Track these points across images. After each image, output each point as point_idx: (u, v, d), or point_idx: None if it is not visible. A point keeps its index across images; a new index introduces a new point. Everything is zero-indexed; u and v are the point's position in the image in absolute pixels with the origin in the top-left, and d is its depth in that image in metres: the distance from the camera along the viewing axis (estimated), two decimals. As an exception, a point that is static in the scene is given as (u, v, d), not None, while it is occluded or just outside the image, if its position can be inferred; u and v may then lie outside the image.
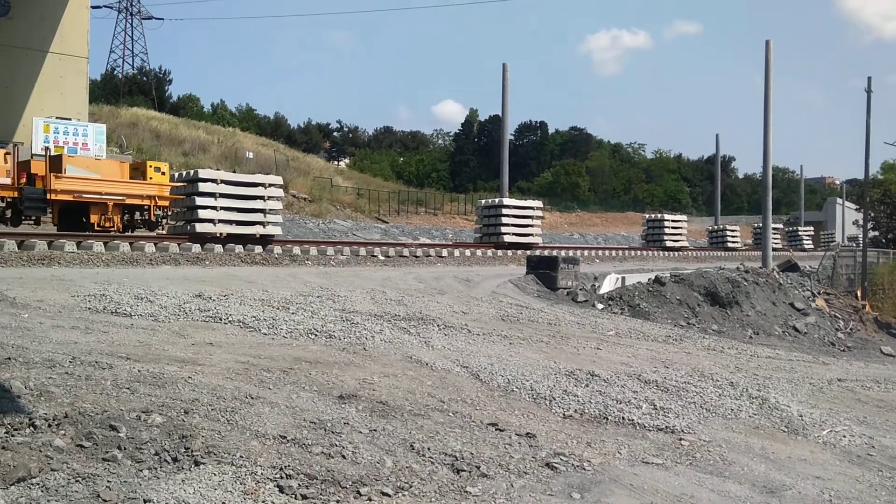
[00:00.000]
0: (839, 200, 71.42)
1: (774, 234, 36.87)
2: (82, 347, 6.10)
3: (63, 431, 4.10)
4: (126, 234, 19.18)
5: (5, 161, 19.03)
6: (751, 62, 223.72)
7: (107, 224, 20.28)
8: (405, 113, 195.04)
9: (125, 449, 4.01)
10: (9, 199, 19.19)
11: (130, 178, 21.50)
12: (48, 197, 19.26)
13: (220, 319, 8.07)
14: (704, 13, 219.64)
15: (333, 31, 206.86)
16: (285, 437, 4.49)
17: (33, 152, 20.76)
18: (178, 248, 15.34)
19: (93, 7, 31.61)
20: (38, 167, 19.58)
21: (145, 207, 21.50)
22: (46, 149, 20.15)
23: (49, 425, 4.15)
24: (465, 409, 5.68)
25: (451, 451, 4.70)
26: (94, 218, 20.23)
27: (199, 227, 16.78)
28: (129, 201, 20.98)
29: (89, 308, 8.08)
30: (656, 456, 5.17)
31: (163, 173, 22.02)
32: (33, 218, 19.73)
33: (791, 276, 19.70)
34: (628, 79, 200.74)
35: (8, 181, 18.96)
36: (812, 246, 51.32)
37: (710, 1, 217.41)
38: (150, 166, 22.27)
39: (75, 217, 20.31)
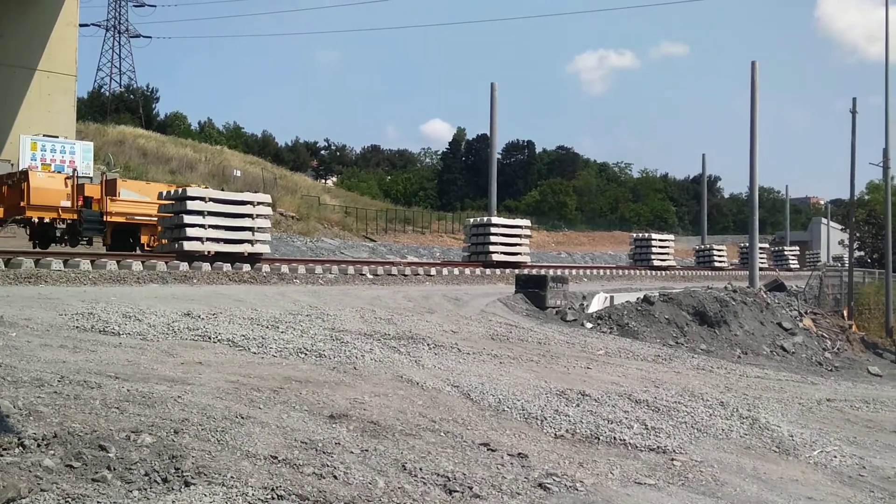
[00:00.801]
0: (824, 220, 71.89)
1: (761, 253, 37.05)
2: (71, 366, 6.05)
3: (52, 451, 4.05)
4: (113, 252, 19.11)
5: (66, 185, 20.13)
6: (736, 83, 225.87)
7: (155, 244, 20.80)
8: (393, 132, 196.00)
9: (115, 469, 3.97)
10: (69, 221, 20.11)
11: None
12: (104, 219, 20.19)
13: (209, 338, 8.02)
14: (691, 35, 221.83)
15: (321, 50, 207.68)
16: (276, 458, 4.46)
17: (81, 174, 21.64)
18: (165, 266, 15.25)
19: (81, 25, 31.56)
20: (92, 190, 20.56)
21: None
22: (103, 173, 21.31)
23: (38, 445, 4.10)
24: (457, 429, 5.66)
25: (443, 471, 4.67)
26: (144, 238, 21.30)
27: (187, 246, 16.71)
28: None
29: (77, 327, 8.01)
30: (648, 476, 5.16)
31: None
32: (85, 239, 20.68)
33: (778, 296, 19.80)
34: (615, 99, 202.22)
35: (68, 204, 19.99)
36: (798, 266, 51.56)
37: (697, 23, 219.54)
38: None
39: (126, 238, 21.23)
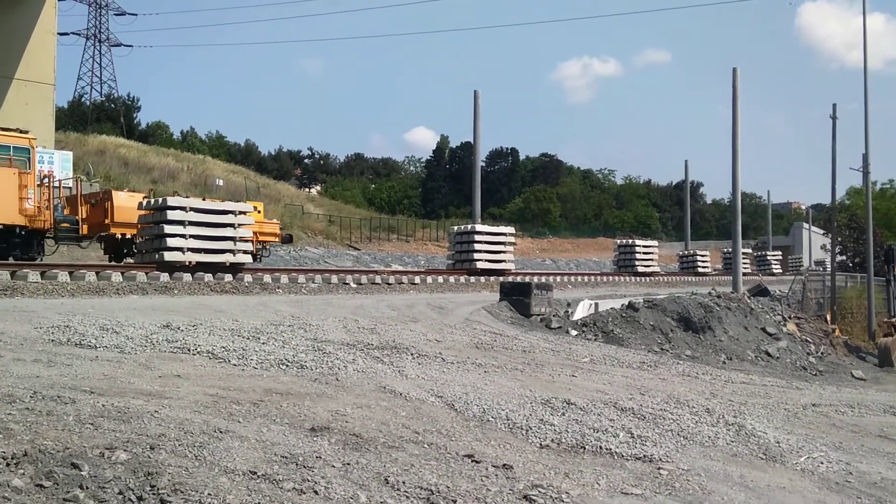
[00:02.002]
0: (805, 225, 72.38)
1: (744, 258, 37.15)
2: (44, 381, 5.91)
3: (22, 471, 3.93)
4: (91, 263, 18.92)
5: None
6: (718, 90, 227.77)
7: None
8: (378, 140, 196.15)
9: (87, 488, 3.84)
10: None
11: None
12: None
13: (189, 350, 7.89)
14: (673, 42, 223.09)
15: (304, 59, 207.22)
16: (255, 473, 4.35)
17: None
18: (145, 277, 15.10)
19: (60, 34, 31.43)
20: None
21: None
22: (175, 192, 22.00)
23: (7, 464, 3.98)
24: (441, 441, 5.57)
25: (426, 484, 4.57)
26: None
27: (168, 256, 16.55)
28: None
29: (52, 340, 7.86)
30: (635, 486, 5.09)
31: (258, 211, 24.00)
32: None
33: (762, 301, 19.83)
34: (598, 106, 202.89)
35: None
36: (780, 270, 51.83)
37: (680, 30, 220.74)
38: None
39: None
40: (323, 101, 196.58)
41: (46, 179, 19.56)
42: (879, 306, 26.23)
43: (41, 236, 19.00)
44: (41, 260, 18.48)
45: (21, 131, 19.54)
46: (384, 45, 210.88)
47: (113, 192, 21.66)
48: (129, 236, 20.78)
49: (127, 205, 20.81)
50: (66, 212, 20.43)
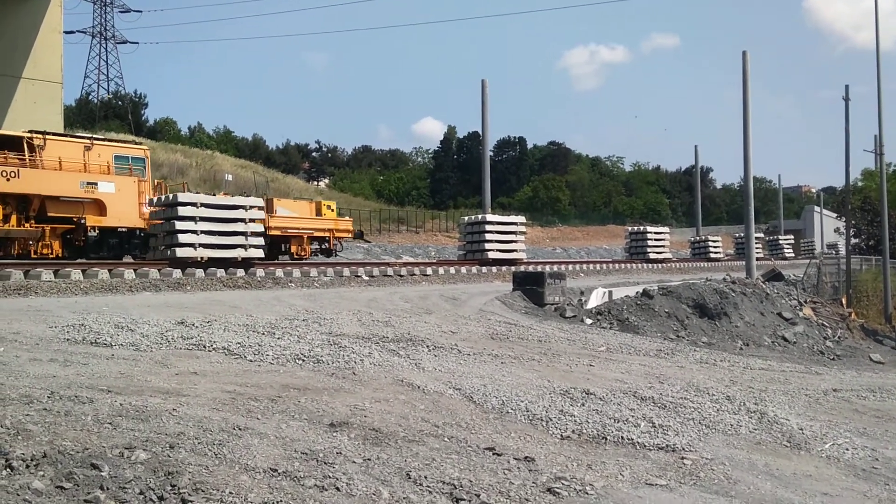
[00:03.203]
0: (817, 208, 71.98)
1: (756, 243, 36.96)
2: (61, 381, 5.88)
3: (42, 472, 3.88)
4: (104, 261, 18.98)
5: None
6: (727, 73, 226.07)
7: (301, 253, 25.48)
8: (385, 131, 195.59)
9: (108, 489, 3.80)
10: None
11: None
12: (267, 233, 22.57)
13: (204, 347, 7.85)
14: (681, 25, 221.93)
15: (310, 52, 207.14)
16: (276, 470, 4.30)
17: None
18: (158, 273, 15.08)
19: (66, 32, 31.40)
20: None
21: (325, 238, 26.79)
22: (264, 194, 25.98)
23: (27, 466, 3.93)
24: (461, 434, 5.51)
25: (448, 478, 4.52)
26: (293, 248, 25.48)
27: (180, 252, 16.52)
28: (316, 234, 26.39)
29: (68, 339, 7.83)
30: (659, 477, 5.02)
31: (332, 210, 27.62)
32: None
33: (777, 286, 19.70)
34: (606, 93, 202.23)
35: None
36: (793, 254, 51.58)
37: (687, 13, 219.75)
38: (324, 205, 27.69)
39: (279, 247, 25.30)
40: (330, 94, 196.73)
41: (160, 186, 21.79)
42: (895, 289, 26.02)
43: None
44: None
45: (136, 142, 22.25)
46: (390, 36, 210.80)
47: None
48: None
49: None
50: None
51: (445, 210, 75.00)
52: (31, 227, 19.18)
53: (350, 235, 29.46)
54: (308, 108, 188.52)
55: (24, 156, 19.41)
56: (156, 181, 22.93)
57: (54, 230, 19.49)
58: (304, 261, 24.32)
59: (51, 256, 19.11)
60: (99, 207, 19.96)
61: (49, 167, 19.61)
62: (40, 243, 19.27)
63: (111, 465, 4.04)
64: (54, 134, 21.05)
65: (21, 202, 19.16)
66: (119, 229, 20.42)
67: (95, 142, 21.33)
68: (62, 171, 19.74)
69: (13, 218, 18.94)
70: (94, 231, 19.98)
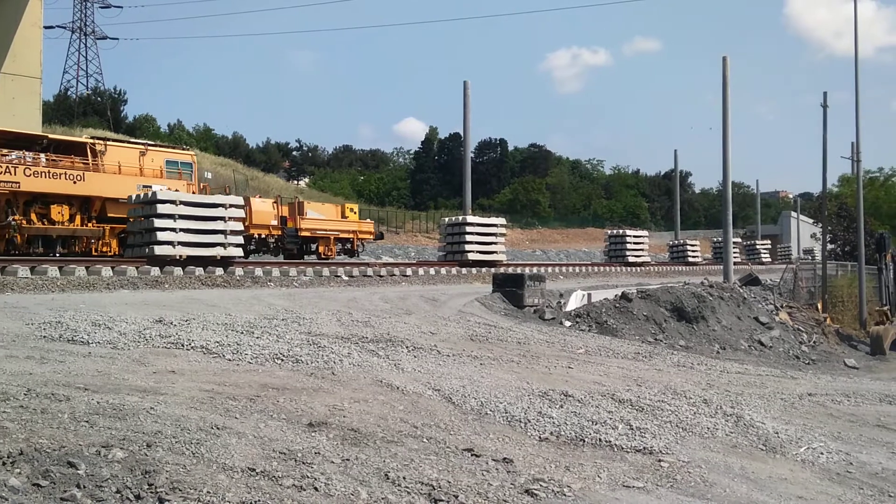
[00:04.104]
0: (794, 214, 72.62)
1: (734, 248, 37.29)
2: (38, 378, 5.83)
3: (18, 469, 3.85)
4: (82, 258, 18.88)
5: (273, 208, 26.23)
6: (706, 78, 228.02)
7: (328, 253, 27.35)
8: (367, 131, 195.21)
9: (84, 487, 3.78)
10: (276, 237, 26.15)
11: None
12: (298, 234, 26.27)
13: (182, 346, 7.81)
14: (663, 30, 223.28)
15: (292, 50, 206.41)
16: (254, 470, 4.29)
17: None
18: (136, 271, 14.98)
19: (46, 27, 31.05)
20: (283, 211, 26.68)
21: (349, 239, 28.55)
22: (296, 198, 27.73)
23: (3, 463, 3.90)
24: (440, 435, 5.52)
25: (427, 479, 4.53)
26: (321, 249, 27.46)
27: (158, 250, 16.41)
28: (341, 235, 28.25)
29: (44, 336, 7.77)
30: (636, 479, 5.06)
31: (354, 213, 29.58)
32: (288, 248, 26.57)
33: (753, 290, 19.85)
34: (588, 96, 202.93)
35: (276, 223, 26.10)
36: (770, 259, 52.02)
37: (669, 16, 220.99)
38: (347, 208, 29.72)
39: (307, 247, 27.48)
40: (312, 93, 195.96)
41: (204, 189, 23.70)
42: (870, 294, 26.27)
43: None
44: None
45: (185, 148, 24.73)
46: (373, 36, 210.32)
47: (251, 198, 26.42)
48: (263, 236, 25.71)
49: (261, 209, 25.84)
50: None
51: (426, 211, 75.02)
52: (93, 226, 20.90)
53: (371, 237, 30.90)
54: (289, 106, 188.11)
55: (87, 161, 21.10)
56: (201, 184, 24.69)
57: (113, 230, 21.11)
58: (330, 260, 26.10)
59: (109, 254, 20.78)
60: None
61: (109, 171, 21.31)
62: (100, 242, 21.03)
63: (88, 464, 4.02)
64: (114, 140, 23.28)
65: (84, 203, 20.83)
66: None
67: (149, 147, 23.21)
68: (121, 174, 21.42)
69: (77, 218, 20.68)
70: None
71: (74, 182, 20.21)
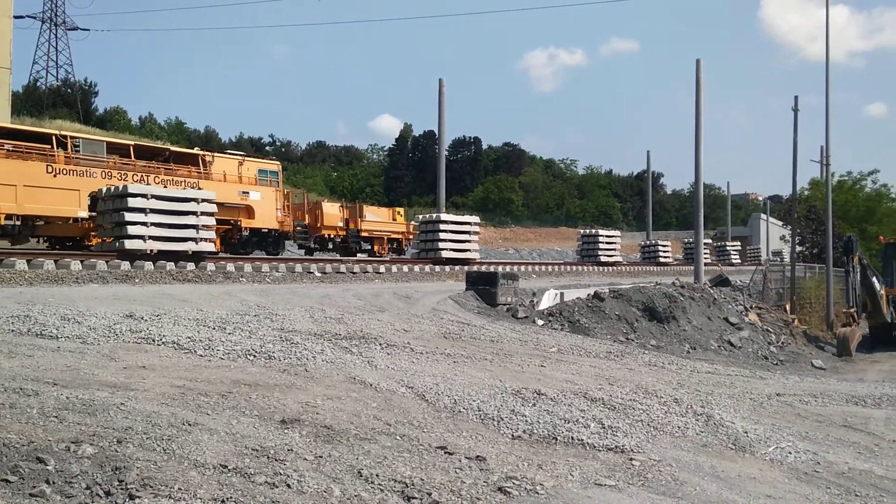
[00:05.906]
0: (763, 216, 73.34)
1: (704, 249, 37.62)
2: (5, 373, 5.75)
3: (-15, 465, 3.81)
4: (52, 251, 18.62)
5: (339, 211, 30.86)
6: (680, 80, 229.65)
7: (381, 251, 31.19)
8: (341, 128, 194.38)
9: (54, 483, 3.74)
10: (342, 236, 30.43)
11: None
12: (359, 234, 30.66)
13: (153, 341, 7.73)
14: (640, 31, 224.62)
15: (267, 44, 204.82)
16: (226, 467, 4.26)
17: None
18: (106, 265, 14.79)
19: (16, 17, 30.59)
20: (346, 214, 31.04)
21: (398, 240, 32.79)
22: (356, 200, 33.16)
23: (-30, 459, 3.85)
24: (413, 432, 5.52)
25: (400, 477, 4.52)
26: (376, 248, 31.32)
27: (129, 244, 16.23)
28: (392, 236, 32.51)
29: (12, 330, 7.66)
30: (608, 477, 5.09)
31: (401, 215, 34.10)
32: (353, 248, 30.50)
33: (724, 291, 20.06)
34: (563, 96, 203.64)
35: (342, 224, 30.50)
36: (739, 260, 52.51)
37: (647, 19, 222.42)
38: (395, 211, 34.41)
39: (360, 246, 30.84)
40: (285, 88, 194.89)
41: (289, 195, 27.71)
42: (837, 297, 26.65)
43: (284, 238, 26.78)
44: (281, 255, 25.47)
45: (273, 159, 28.94)
46: (349, 32, 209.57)
47: (322, 202, 31.13)
48: (332, 236, 29.87)
49: (331, 212, 30.23)
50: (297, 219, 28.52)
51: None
52: None
53: (413, 237, 33.32)
54: (263, 101, 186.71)
55: (200, 170, 23.93)
56: (285, 191, 28.05)
57: (217, 230, 22.09)
58: (342, 257, 28.09)
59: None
60: (249, 212, 24.77)
61: (216, 178, 24.08)
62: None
63: (57, 459, 3.97)
64: (219, 152, 26.85)
65: None
66: (262, 230, 25.31)
67: (245, 158, 26.52)
68: (226, 182, 24.28)
69: None
70: (246, 231, 24.77)
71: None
